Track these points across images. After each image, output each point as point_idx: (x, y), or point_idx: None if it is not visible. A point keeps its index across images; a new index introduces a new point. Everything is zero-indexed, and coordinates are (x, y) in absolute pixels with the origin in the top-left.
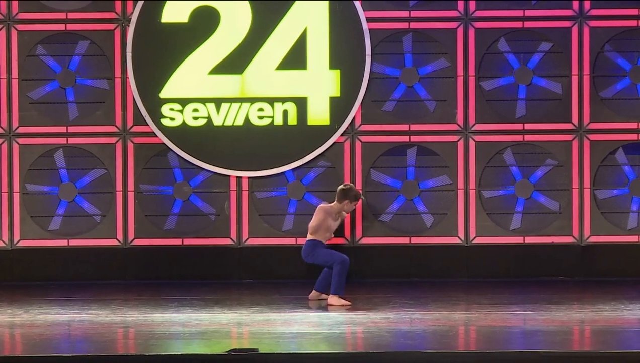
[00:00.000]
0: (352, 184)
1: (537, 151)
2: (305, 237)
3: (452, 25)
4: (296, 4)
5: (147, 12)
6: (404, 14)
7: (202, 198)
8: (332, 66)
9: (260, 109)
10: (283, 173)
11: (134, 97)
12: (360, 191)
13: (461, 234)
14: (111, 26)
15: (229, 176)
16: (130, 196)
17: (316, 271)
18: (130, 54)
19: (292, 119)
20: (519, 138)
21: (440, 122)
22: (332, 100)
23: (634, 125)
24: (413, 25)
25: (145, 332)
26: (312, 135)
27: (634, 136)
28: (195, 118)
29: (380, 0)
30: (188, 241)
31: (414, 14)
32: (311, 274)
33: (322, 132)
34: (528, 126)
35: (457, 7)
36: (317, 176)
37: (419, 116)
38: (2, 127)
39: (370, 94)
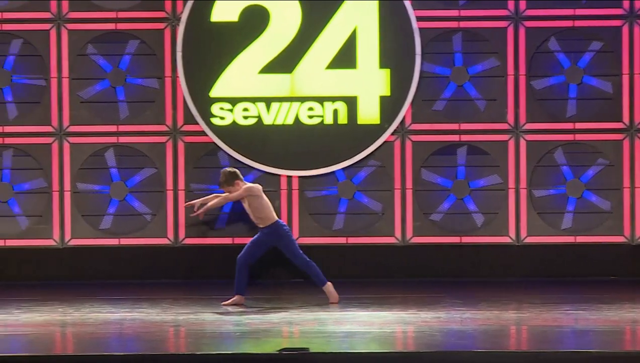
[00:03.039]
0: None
1: (587, 150)
2: (357, 236)
3: (502, 24)
4: (346, 3)
5: (197, 12)
6: (453, 13)
7: None
8: (382, 65)
9: (311, 108)
10: (333, 172)
11: (184, 97)
12: None
13: (512, 233)
14: (161, 25)
15: (279, 175)
16: (181, 195)
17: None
18: (181, 53)
19: (343, 119)
20: (569, 137)
21: (491, 122)
22: (382, 99)
23: None
24: (463, 24)
25: (196, 331)
26: (362, 134)
27: None
28: (246, 117)
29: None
30: (239, 240)
31: (463, 13)
32: (363, 273)
33: (372, 132)
34: (579, 126)
35: (507, 6)
36: (368, 175)
37: (469, 115)
38: (53, 127)
39: (420, 93)
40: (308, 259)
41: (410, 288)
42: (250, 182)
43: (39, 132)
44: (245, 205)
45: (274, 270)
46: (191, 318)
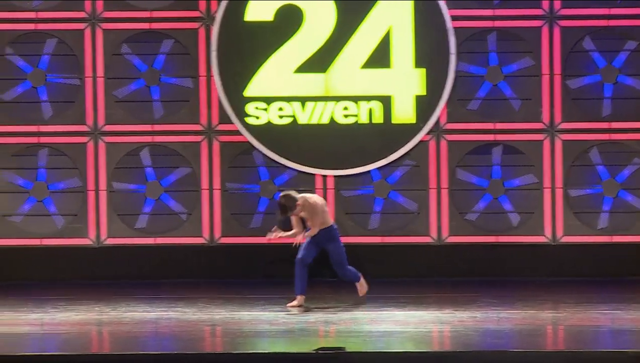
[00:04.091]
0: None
1: (623, 149)
2: (392, 236)
3: (537, 23)
4: (380, 3)
5: (232, 11)
6: (488, 12)
7: None
8: (417, 64)
9: (346, 108)
10: (368, 172)
11: (219, 96)
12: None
13: (548, 233)
14: (195, 25)
15: (314, 174)
16: (216, 194)
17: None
18: (215, 53)
19: (378, 118)
20: (605, 136)
21: (526, 121)
22: (418, 98)
23: None
24: (498, 23)
25: (232, 330)
26: (397, 134)
27: None
28: (281, 117)
29: None
30: (274, 240)
31: (498, 12)
32: (399, 273)
33: (408, 131)
34: (614, 125)
35: (542, 5)
36: (403, 175)
37: (504, 115)
38: (88, 126)
39: (455, 92)
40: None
41: (445, 287)
42: (286, 181)
43: (74, 132)
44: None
45: (311, 270)
46: (227, 317)
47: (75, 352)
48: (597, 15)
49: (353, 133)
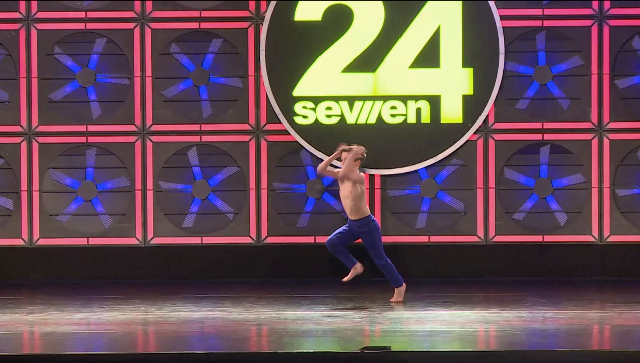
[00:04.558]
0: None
1: None
2: (439, 235)
3: (586, 23)
4: (429, 3)
5: (281, 11)
6: (537, 12)
7: (335, 196)
8: (465, 64)
9: (394, 107)
10: (416, 171)
11: (267, 96)
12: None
13: (595, 233)
14: (245, 24)
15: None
16: (264, 194)
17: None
18: (264, 52)
19: (425, 117)
20: None
21: (574, 121)
22: (466, 98)
23: None
24: (547, 23)
25: (278, 330)
26: (445, 133)
27: None
28: (329, 116)
29: None
30: (321, 239)
31: (547, 12)
32: (445, 272)
33: (455, 131)
34: None
35: (591, 5)
36: (450, 174)
37: (552, 114)
38: (136, 125)
39: (503, 92)
40: (388, 260)
41: (492, 287)
42: (333, 181)
43: (122, 131)
44: (347, 191)
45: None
46: (273, 316)
47: (121, 351)
48: None
49: (401, 133)
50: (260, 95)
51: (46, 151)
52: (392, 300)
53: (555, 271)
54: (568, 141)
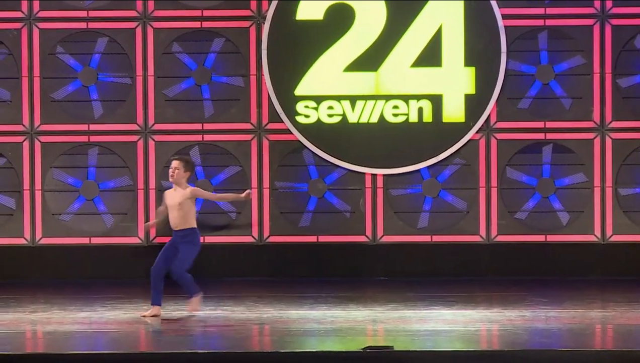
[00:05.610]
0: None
1: None
2: (441, 234)
3: (588, 22)
4: (431, 2)
5: (283, 10)
6: (539, 11)
7: (337, 195)
8: (467, 63)
9: (395, 107)
10: (418, 171)
11: (269, 95)
12: None
13: (597, 232)
14: (246, 24)
15: (363, 173)
16: (266, 193)
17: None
18: (266, 51)
19: (427, 117)
20: None
21: (576, 120)
22: (468, 97)
23: None
24: (549, 22)
25: (280, 329)
26: (447, 132)
27: None
28: (330, 115)
29: None
30: (323, 238)
31: (549, 11)
32: (448, 272)
33: (457, 130)
34: None
35: (593, 4)
36: (452, 173)
37: (554, 114)
38: (138, 125)
39: (505, 91)
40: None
41: (494, 286)
42: (335, 180)
43: (125, 131)
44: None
45: (358, 269)
46: (275, 315)
47: (124, 350)
48: None
49: (403, 132)
50: (262, 94)
51: (48, 151)
52: (188, 308)
53: (558, 270)
54: (570, 141)
